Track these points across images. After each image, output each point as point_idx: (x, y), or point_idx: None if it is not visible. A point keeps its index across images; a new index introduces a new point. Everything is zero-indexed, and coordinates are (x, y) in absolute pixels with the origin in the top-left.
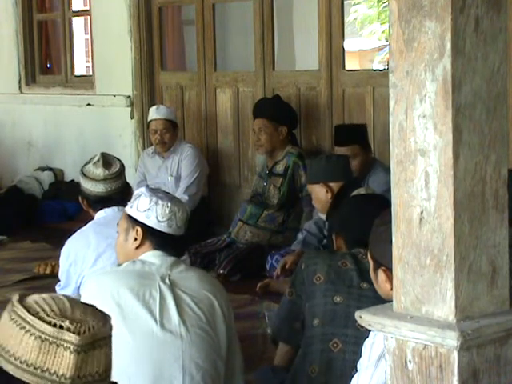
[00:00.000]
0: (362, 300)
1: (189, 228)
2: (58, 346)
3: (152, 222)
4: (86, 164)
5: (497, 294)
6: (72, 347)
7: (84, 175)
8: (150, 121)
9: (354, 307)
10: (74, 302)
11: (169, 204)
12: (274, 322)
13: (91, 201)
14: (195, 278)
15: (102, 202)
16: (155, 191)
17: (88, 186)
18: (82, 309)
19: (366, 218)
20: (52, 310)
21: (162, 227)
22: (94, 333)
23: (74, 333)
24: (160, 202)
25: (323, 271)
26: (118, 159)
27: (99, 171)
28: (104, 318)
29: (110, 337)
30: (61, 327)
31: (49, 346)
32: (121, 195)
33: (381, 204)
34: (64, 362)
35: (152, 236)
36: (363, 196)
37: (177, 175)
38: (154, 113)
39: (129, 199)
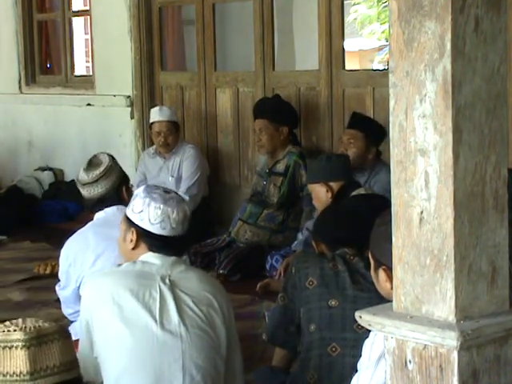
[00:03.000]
0: (357, 302)
1: (189, 228)
2: (10, 348)
3: (145, 224)
4: None
5: (497, 294)
6: (21, 344)
7: (77, 180)
8: (153, 122)
9: (350, 310)
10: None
11: (161, 206)
12: (269, 328)
13: (86, 205)
14: (195, 278)
15: (95, 204)
16: (152, 191)
17: (81, 191)
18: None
19: (339, 218)
20: (5, 325)
21: (155, 229)
22: (38, 329)
23: (19, 330)
24: (152, 203)
25: (315, 275)
26: (109, 160)
27: (83, 176)
28: (51, 322)
29: (56, 332)
30: (8, 331)
31: (2, 350)
32: (114, 194)
33: (354, 203)
34: (19, 359)
35: (146, 238)
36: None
37: (178, 176)
38: (156, 114)
39: (130, 195)
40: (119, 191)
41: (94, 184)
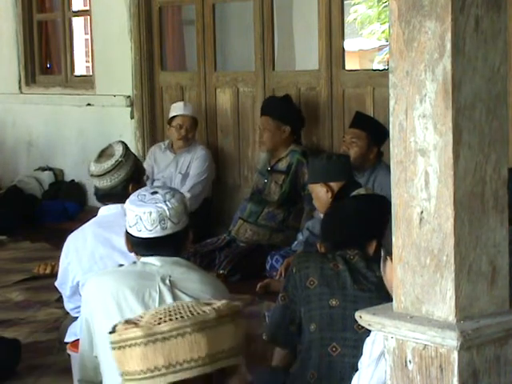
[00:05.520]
0: (357, 302)
1: (184, 228)
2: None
3: (127, 227)
4: None
5: (497, 294)
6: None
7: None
8: (175, 116)
9: (351, 309)
10: None
11: (134, 208)
12: (269, 328)
13: (96, 196)
14: (196, 279)
15: (103, 197)
16: (139, 193)
17: (93, 181)
18: None
19: (343, 222)
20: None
21: (133, 231)
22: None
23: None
24: (128, 206)
25: (316, 275)
26: (122, 153)
27: (91, 166)
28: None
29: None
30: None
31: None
32: (121, 191)
33: (355, 204)
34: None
35: (130, 240)
36: (345, 201)
37: (185, 173)
38: (180, 109)
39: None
40: (126, 188)
41: (101, 177)
